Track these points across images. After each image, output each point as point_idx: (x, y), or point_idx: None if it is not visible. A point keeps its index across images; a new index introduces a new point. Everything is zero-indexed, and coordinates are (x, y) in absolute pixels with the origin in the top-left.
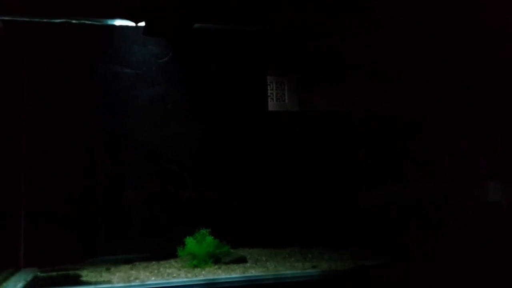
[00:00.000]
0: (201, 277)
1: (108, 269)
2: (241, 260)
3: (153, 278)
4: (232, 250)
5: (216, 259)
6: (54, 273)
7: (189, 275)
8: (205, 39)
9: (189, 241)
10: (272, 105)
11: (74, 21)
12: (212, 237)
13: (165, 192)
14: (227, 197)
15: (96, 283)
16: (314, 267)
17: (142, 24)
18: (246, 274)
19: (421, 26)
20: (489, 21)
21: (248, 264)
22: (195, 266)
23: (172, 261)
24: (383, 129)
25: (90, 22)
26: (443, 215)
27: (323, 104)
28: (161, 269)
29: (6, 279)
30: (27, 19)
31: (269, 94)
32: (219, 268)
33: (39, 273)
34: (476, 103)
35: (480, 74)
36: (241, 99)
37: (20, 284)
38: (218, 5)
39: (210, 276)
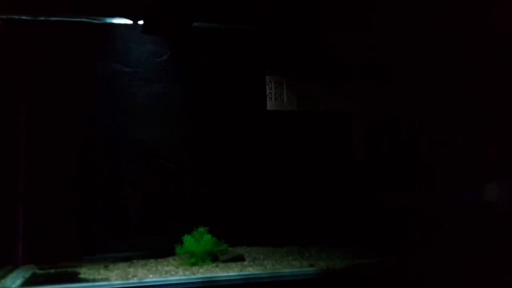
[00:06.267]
0: (199, 275)
1: (106, 267)
2: (239, 258)
3: (151, 276)
4: (230, 248)
5: (214, 257)
6: (52, 270)
7: (187, 273)
8: (204, 38)
9: (187, 239)
10: (270, 105)
11: (73, 19)
12: (210, 235)
13: (163, 190)
14: (225, 196)
15: (94, 280)
16: (311, 265)
17: (141, 22)
18: (244, 272)
19: (422, 25)
20: (492, 21)
21: (245, 262)
22: (193, 264)
23: (170, 259)
24: (381, 129)
25: (89, 21)
26: (442, 215)
27: (322, 104)
28: (159, 267)
29: (4, 276)
30: (26, 17)
31: (267, 93)
32: (217, 266)
33: (37, 270)
34: (475, 103)
35: (480, 74)
36: (239, 98)
37: (19, 281)
38: (217, 4)
39: (208, 274)
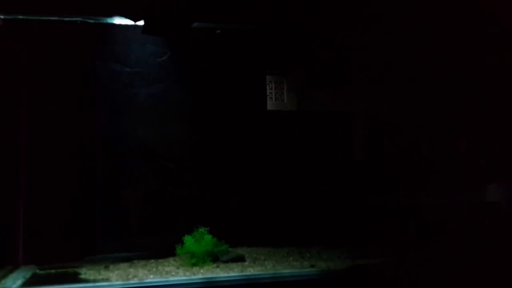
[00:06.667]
0: (200, 276)
1: (106, 267)
2: (239, 259)
3: (151, 276)
4: (230, 249)
5: (214, 258)
6: (52, 271)
7: (187, 273)
8: (204, 38)
9: (188, 239)
10: (271, 105)
11: (73, 19)
12: (211, 235)
13: (164, 190)
14: (226, 196)
15: (94, 281)
16: (312, 266)
17: (141, 22)
18: (244, 273)
19: (422, 25)
20: (491, 21)
21: (246, 263)
22: (194, 265)
23: (171, 260)
24: (382, 129)
25: (89, 21)
26: (443, 215)
27: (322, 104)
28: (160, 267)
29: (5, 276)
30: (27, 17)
31: (268, 93)
32: (218, 266)
33: (37, 271)
34: (476, 104)
35: (480, 74)
36: (240, 98)
37: (19, 282)
38: (217, 4)
39: (209, 275)
